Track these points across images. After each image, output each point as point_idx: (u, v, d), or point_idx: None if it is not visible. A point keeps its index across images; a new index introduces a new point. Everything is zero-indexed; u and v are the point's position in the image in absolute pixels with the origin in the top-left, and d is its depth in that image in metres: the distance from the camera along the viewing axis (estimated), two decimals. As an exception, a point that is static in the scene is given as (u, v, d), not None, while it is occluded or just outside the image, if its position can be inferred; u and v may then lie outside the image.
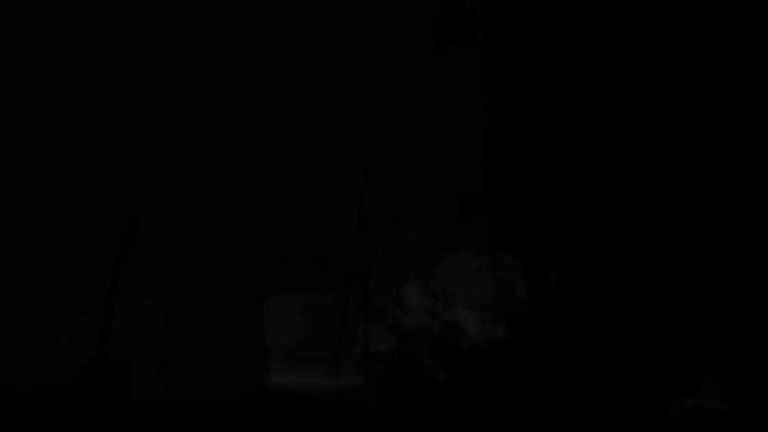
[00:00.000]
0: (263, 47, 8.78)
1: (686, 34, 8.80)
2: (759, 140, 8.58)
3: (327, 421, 6.35)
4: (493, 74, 9.19)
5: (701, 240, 8.71)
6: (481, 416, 7.07)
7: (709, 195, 8.71)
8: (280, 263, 7.47)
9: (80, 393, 6.27)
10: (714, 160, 8.74)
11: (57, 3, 8.36)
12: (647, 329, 8.58)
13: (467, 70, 9.23)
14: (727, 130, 8.67)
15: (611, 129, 8.89)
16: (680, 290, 8.63)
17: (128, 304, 6.67)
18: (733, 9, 8.62)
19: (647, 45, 8.85)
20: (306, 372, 7.68)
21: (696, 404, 7.82)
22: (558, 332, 8.39)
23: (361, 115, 8.95)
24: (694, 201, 8.74)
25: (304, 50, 8.87)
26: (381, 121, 9.01)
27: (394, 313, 7.48)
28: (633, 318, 8.63)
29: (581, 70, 8.95)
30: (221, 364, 8.26)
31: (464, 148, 9.19)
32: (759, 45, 8.56)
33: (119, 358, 6.53)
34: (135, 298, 7.11)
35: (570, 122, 8.97)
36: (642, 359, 8.46)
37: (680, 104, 8.81)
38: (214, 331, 8.42)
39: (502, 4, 9.15)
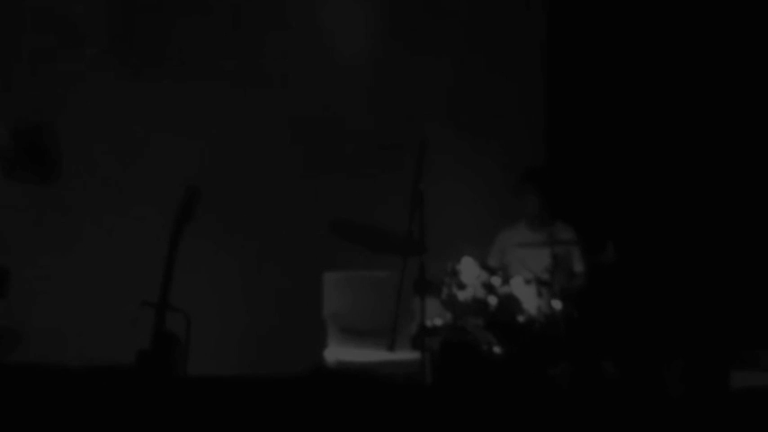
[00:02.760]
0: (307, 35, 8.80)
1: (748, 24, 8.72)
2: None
3: (383, 396, 6.35)
4: (554, 51, 9.15)
5: (758, 214, 8.64)
6: (538, 391, 7.05)
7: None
8: (335, 237, 7.46)
9: (138, 368, 6.31)
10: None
11: None
12: (705, 304, 8.52)
13: (529, 46, 9.18)
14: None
15: (669, 107, 8.83)
16: (739, 264, 8.56)
17: (185, 279, 6.70)
18: None
19: (709, 29, 8.78)
20: (362, 346, 7.69)
21: (757, 379, 7.75)
22: (616, 307, 8.36)
23: (420, 90, 8.93)
24: (752, 174, 8.67)
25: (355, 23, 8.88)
26: (440, 95, 8.99)
27: (450, 288, 7.48)
28: (692, 293, 8.57)
29: (639, 50, 8.89)
30: (278, 338, 8.30)
31: (524, 123, 9.15)
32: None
33: (176, 333, 6.56)
34: (192, 273, 7.13)
35: (630, 98, 8.91)
36: (702, 334, 8.41)
37: (743, 86, 8.74)
38: (271, 306, 8.46)
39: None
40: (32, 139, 6.88)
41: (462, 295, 7.43)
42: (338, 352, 7.73)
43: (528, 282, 7.49)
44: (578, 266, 8.02)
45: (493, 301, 7.41)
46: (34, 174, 7.00)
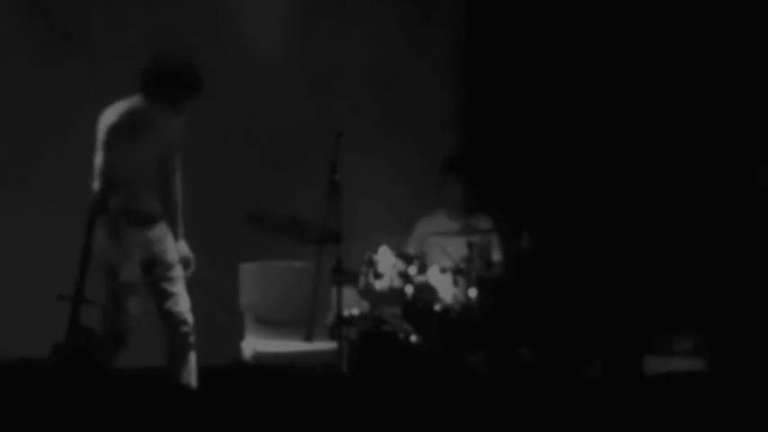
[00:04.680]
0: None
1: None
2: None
3: (300, 386, 6.37)
4: (474, 42, 9.20)
5: (674, 200, 8.74)
6: (454, 379, 7.09)
7: (683, 156, 8.74)
8: (252, 227, 7.44)
9: (53, 362, 6.27)
10: (682, 120, 8.77)
11: None
12: (619, 291, 8.61)
13: (447, 35, 9.22)
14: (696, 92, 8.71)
15: (583, 98, 8.90)
16: (653, 251, 8.66)
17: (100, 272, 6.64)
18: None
19: (621, 17, 8.86)
20: (279, 337, 7.68)
21: (671, 365, 7.86)
22: (532, 295, 8.42)
23: (336, 79, 8.93)
24: (667, 163, 8.77)
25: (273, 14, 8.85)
26: (357, 85, 9.00)
27: (367, 277, 7.49)
28: (605, 280, 8.65)
29: (556, 41, 8.96)
30: (195, 329, 8.24)
31: (441, 112, 9.19)
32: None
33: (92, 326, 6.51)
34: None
35: (548, 87, 8.97)
36: (616, 320, 8.50)
37: (658, 75, 8.83)
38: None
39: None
40: None
41: (379, 284, 7.45)
42: (255, 343, 7.71)
43: (444, 270, 7.53)
44: (496, 255, 8.08)
45: (409, 290, 7.44)
46: None
